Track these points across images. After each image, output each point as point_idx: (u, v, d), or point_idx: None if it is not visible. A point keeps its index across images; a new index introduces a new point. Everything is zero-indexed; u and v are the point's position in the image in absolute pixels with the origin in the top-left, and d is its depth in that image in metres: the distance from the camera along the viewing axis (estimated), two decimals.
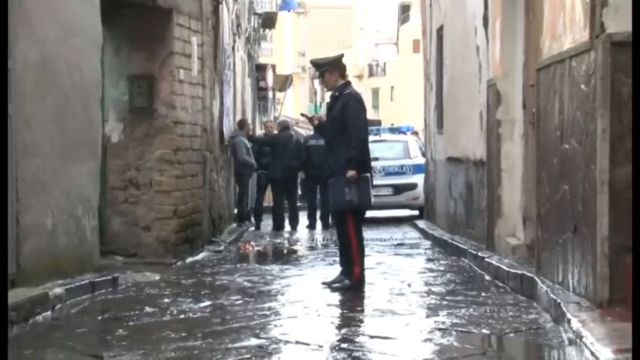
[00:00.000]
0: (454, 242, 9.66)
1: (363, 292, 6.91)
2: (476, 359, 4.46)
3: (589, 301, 5.06)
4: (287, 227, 14.07)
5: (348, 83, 7.47)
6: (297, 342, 4.93)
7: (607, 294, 4.91)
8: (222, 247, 10.48)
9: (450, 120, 11.24)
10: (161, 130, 8.85)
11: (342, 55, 7.73)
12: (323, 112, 24.87)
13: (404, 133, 17.51)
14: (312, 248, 11.06)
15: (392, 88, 47.97)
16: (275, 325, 5.44)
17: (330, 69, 7.31)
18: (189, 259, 8.99)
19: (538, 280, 6.05)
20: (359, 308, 6.28)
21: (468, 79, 9.71)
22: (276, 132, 15.09)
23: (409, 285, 7.23)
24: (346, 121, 7.07)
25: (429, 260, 9.25)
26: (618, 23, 4.93)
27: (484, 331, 5.19)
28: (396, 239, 11.88)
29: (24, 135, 6.16)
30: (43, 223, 6.45)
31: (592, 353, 4.03)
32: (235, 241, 11.72)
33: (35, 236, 6.29)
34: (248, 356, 4.56)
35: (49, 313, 5.78)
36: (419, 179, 14.83)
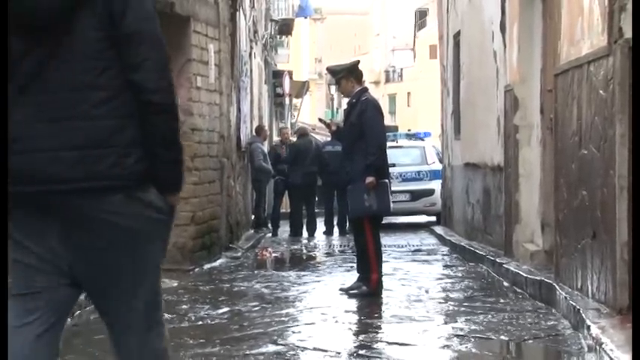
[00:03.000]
0: (472, 248, 9.63)
1: (380, 299, 6.90)
2: None
3: (608, 307, 5.03)
4: (304, 234, 14.07)
5: (365, 89, 7.48)
6: (314, 348, 4.93)
7: (627, 300, 4.87)
8: (239, 254, 10.50)
9: (468, 125, 11.22)
10: None
11: (358, 62, 7.73)
12: (340, 118, 24.90)
13: (421, 139, 17.49)
14: (329, 254, 11.06)
15: (409, 94, 47.95)
16: (293, 332, 5.45)
17: (346, 75, 7.32)
18: (206, 266, 9.01)
19: (557, 287, 6.02)
20: (376, 315, 6.27)
21: (485, 84, 9.69)
22: (292, 139, 15.11)
23: (427, 291, 7.22)
24: (364, 127, 7.07)
25: (446, 266, 9.22)
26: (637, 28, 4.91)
27: (502, 337, 5.17)
28: (413, 245, 11.86)
29: None
30: None
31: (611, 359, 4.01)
32: (252, 248, 11.74)
33: None
34: None
35: (69, 319, 5.81)
36: (436, 185, 14.80)
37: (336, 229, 14.23)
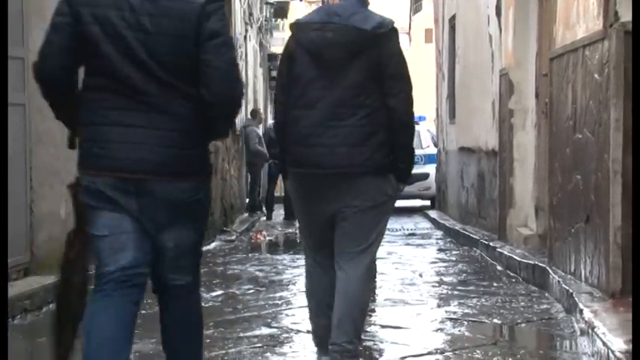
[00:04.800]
0: (466, 232, 9.65)
1: (374, 282, 6.89)
2: (487, 349, 4.46)
3: (601, 291, 5.05)
4: None
5: None
6: (308, 331, 4.93)
7: (619, 284, 4.89)
8: (233, 237, 10.50)
9: (462, 110, 11.21)
10: None
11: None
12: None
13: (416, 123, 17.46)
14: None
15: None
16: (286, 315, 5.46)
17: None
18: None
19: (550, 271, 6.04)
20: (370, 298, 6.28)
21: (481, 68, 9.68)
22: None
23: (420, 275, 7.23)
24: None
25: (440, 250, 9.24)
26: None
27: (495, 321, 5.19)
28: (407, 229, 11.88)
29: (38, 124, 6.18)
30: (57, 212, 6.48)
31: (604, 343, 4.03)
32: (247, 231, 11.74)
33: (49, 225, 6.32)
34: (260, 345, 4.58)
35: None
36: (431, 169, 14.80)
37: None
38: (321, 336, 3.82)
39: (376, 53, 3.58)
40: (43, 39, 2.88)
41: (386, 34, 3.63)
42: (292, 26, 3.78)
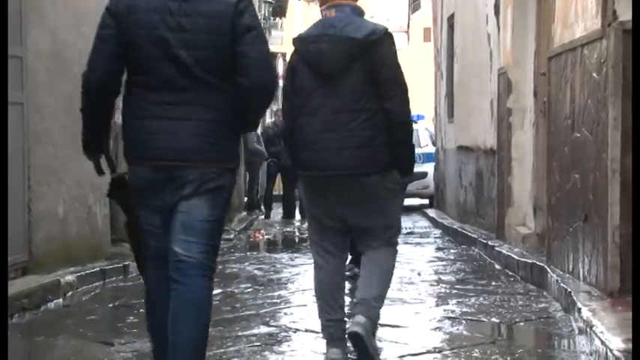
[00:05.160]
0: (464, 231, 9.65)
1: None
2: (486, 348, 4.46)
3: (599, 290, 5.05)
4: (297, 216, 14.08)
5: None
6: (306, 330, 4.94)
7: (618, 283, 4.90)
8: (232, 236, 10.50)
9: (461, 109, 11.22)
10: None
11: None
12: None
13: (414, 121, 17.45)
14: None
15: None
16: (285, 314, 5.46)
17: None
18: None
19: (548, 269, 6.05)
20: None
21: (479, 67, 9.68)
22: None
23: (419, 274, 7.23)
24: None
25: (438, 249, 9.25)
26: (631, 11, 4.90)
27: (494, 319, 5.19)
28: (405, 228, 11.88)
29: (36, 123, 6.18)
30: (55, 211, 6.48)
31: (602, 342, 4.03)
32: (245, 230, 11.74)
33: (47, 224, 6.32)
34: (258, 344, 4.58)
35: (60, 300, 5.82)
36: (429, 168, 14.81)
37: None
38: (331, 332, 4.01)
39: (370, 60, 3.82)
40: (91, 50, 3.23)
41: (377, 40, 3.83)
42: (294, 41, 4.03)
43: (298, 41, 4.00)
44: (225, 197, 3.22)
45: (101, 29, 3.20)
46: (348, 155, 3.82)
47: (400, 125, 3.88)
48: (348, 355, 4.01)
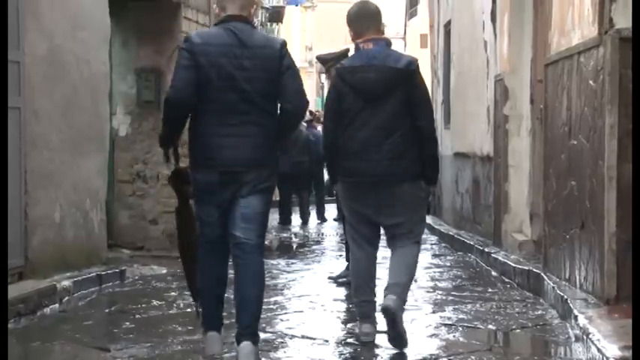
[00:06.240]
0: (460, 238, 9.65)
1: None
2: (482, 355, 4.46)
3: (596, 297, 5.05)
4: (294, 222, 14.07)
5: None
6: (303, 336, 4.94)
7: (614, 291, 4.90)
8: None
9: (457, 115, 11.23)
10: None
11: (347, 50, 7.70)
12: None
13: None
14: (318, 242, 11.07)
15: None
16: (281, 320, 5.45)
17: (336, 64, 7.29)
18: None
19: (545, 277, 6.05)
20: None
21: (476, 74, 9.70)
22: None
23: (415, 280, 7.20)
24: None
25: (435, 256, 9.24)
26: (627, 19, 4.91)
27: (490, 326, 5.19)
28: None
29: (32, 128, 6.18)
30: (51, 216, 6.47)
31: (599, 350, 4.03)
32: None
33: (43, 229, 6.31)
34: None
35: (56, 305, 5.81)
36: None
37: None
38: (364, 311, 4.72)
39: (407, 86, 4.60)
40: (174, 78, 4.08)
41: (414, 70, 4.66)
42: (339, 70, 4.77)
43: (344, 70, 4.71)
44: (271, 194, 4.20)
45: (181, 61, 4.07)
46: (385, 165, 4.54)
47: (429, 141, 4.62)
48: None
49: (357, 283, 4.75)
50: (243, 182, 4.05)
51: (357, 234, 4.79)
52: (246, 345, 4.05)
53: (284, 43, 4.16)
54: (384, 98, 4.57)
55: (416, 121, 4.57)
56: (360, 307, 4.74)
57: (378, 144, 4.55)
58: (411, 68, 4.62)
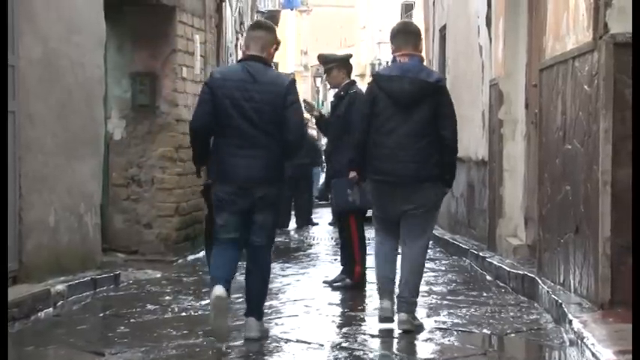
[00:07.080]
0: (455, 242, 9.66)
1: (364, 291, 6.91)
2: (477, 359, 4.46)
3: (590, 302, 5.06)
4: (290, 226, 14.03)
5: (353, 82, 7.45)
6: (297, 340, 4.94)
7: (608, 295, 4.91)
8: None
9: None
10: (163, 127, 8.85)
11: (350, 55, 7.76)
12: (324, 110, 24.73)
13: None
14: (313, 246, 11.07)
15: None
16: (276, 324, 5.45)
17: (338, 66, 7.31)
18: (190, 257, 9.00)
19: (539, 281, 6.05)
20: (360, 307, 6.28)
21: (471, 78, 9.71)
22: None
23: None
24: (351, 120, 7.03)
25: (429, 260, 9.21)
26: (622, 24, 4.93)
27: (485, 331, 5.20)
28: None
29: (27, 132, 6.17)
30: (46, 220, 6.46)
31: (593, 354, 4.03)
32: None
33: (37, 233, 6.30)
34: (249, 354, 4.56)
35: (50, 309, 5.79)
36: None
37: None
38: (384, 287, 5.31)
39: (436, 99, 5.17)
40: (196, 108, 5.03)
41: (443, 86, 5.30)
42: (375, 76, 5.54)
43: (381, 78, 5.37)
44: (279, 205, 5.04)
45: (202, 95, 4.93)
46: (413, 167, 5.12)
47: (450, 149, 5.21)
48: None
49: (378, 262, 5.39)
50: (256, 197, 4.83)
51: (382, 227, 5.39)
52: (251, 319, 4.90)
53: (292, 82, 4.92)
54: (414, 107, 5.13)
55: (440, 131, 5.15)
56: (381, 282, 5.34)
57: (407, 148, 5.12)
58: (440, 84, 5.25)
